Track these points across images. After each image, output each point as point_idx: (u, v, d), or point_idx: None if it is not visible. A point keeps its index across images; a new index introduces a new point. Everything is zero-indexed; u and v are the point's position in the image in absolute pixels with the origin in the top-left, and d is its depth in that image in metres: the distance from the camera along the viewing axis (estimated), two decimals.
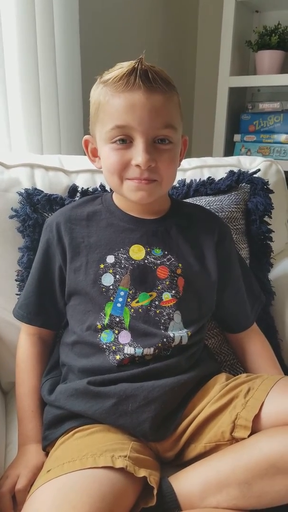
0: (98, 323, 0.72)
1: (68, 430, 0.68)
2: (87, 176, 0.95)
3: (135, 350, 0.70)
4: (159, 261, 0.75)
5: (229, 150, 1.81)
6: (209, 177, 1.00)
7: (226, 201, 0.96)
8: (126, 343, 0.71)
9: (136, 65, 0.66)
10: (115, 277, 0.74)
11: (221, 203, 0.95)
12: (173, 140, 0.71)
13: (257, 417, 0.64)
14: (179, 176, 1.01)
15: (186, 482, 0.62)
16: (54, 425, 0.70)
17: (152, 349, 0.70)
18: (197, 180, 0.99)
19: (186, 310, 0.75)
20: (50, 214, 0.86)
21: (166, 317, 0.73)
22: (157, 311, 0.73)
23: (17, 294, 0.85)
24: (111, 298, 0.73)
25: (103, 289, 0.73)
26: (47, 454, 0.70)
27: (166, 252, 0.76)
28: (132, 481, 0.59)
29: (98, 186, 0.93)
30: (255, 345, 0.86)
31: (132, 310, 0.72)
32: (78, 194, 0.91)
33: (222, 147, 1.77)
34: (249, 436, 0.63)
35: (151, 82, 0.66)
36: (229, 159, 1.11)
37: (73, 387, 0.70)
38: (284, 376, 0.72)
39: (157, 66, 0.69)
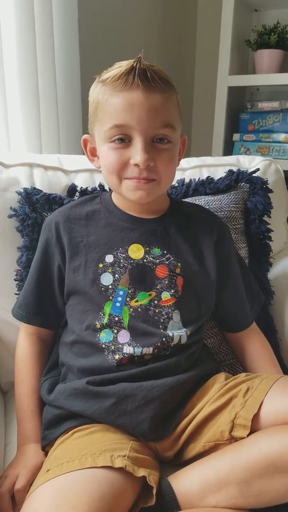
0: (97, 323, 0.72)
1: (67, 430, 0.68)
2: (86, 175, 0.95)
3: (134, 349, 0.70)
4: (158, 261, 0.75)
5: (228, 149, 1.80)
6: (208, 176, 1.00)
7: (225, 201, 0.95)
8: (125, 343, 0.71)
9: (135, 64, 0.66)
10: (114, 276, 0.73)
11: (220, 202, 0.95)
12: (172, 139, 0.71)
13: (256, 417, 0.64)
14: (178, 176, 1.01)
15: (185, 482, 0.62)
16: (53, 425, 0.70)
17: (151, 348, 0.70)
18: (196, 180, 0.99)
19: (185, 310, 0.75)
20: (49, 214, 0.86)
21: (165, 316, 0.73)
22: (156, 311, 0.73)
23: (16, 294, 0.85)
24: (110, 298, 0.73)
25: (102, 288, 0.73)
26: (46, 453, 0.70)
27: (165, 252, 0.76)
28: (131, 481, 0.59)
29: (97, 186, 0.93)
30: (255, 345, 0.86)
31: (131, 309, 0.72)
32: (77, 194, 0.91)
33: (221, 146, 1.77)
34: (248, 435, 0.63)
35: (149, 81, 0.66)
36: (228, 159, 1.11)
37: (72, 386, 0.70)
38: (283, 376, 0.72)
39: (156, 65, 0.69)
